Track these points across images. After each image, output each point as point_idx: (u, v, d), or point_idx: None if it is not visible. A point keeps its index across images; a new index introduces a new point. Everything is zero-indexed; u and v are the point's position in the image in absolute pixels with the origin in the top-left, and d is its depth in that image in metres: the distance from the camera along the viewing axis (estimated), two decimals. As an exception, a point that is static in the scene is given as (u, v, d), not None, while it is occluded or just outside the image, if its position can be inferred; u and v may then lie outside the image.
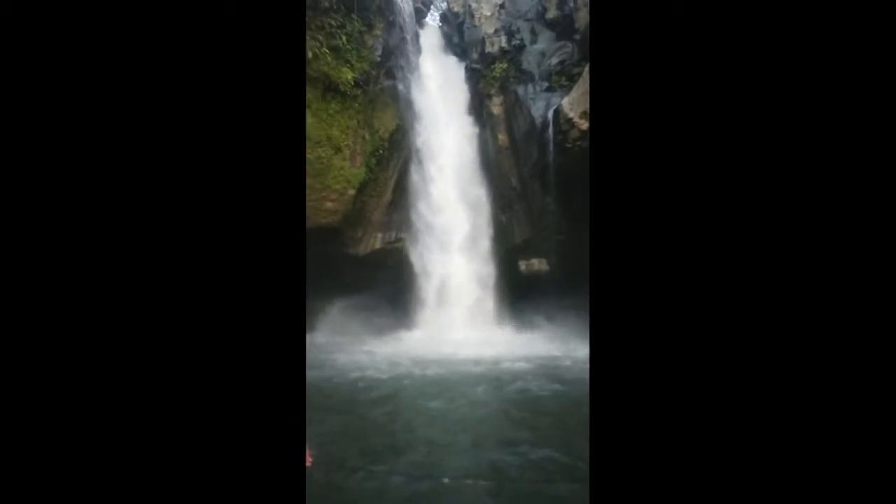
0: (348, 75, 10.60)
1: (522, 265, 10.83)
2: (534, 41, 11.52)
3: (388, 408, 5.40)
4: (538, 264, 10.70)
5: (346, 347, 8.82)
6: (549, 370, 6.86)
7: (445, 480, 3.24)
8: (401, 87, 11.93)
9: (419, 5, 13.50)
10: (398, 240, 11.46)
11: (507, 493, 3.21)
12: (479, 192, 11.52)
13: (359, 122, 11.01)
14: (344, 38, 10.52)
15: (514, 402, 5.53)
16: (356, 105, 10.94)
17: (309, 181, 9.09)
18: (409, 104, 11.81)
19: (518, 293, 10.38)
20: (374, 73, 11.43)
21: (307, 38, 9.41)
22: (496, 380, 6.46)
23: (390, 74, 11.93)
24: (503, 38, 11.61)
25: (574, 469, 3.42)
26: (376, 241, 11.36)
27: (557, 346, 8.40)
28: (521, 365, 7.24)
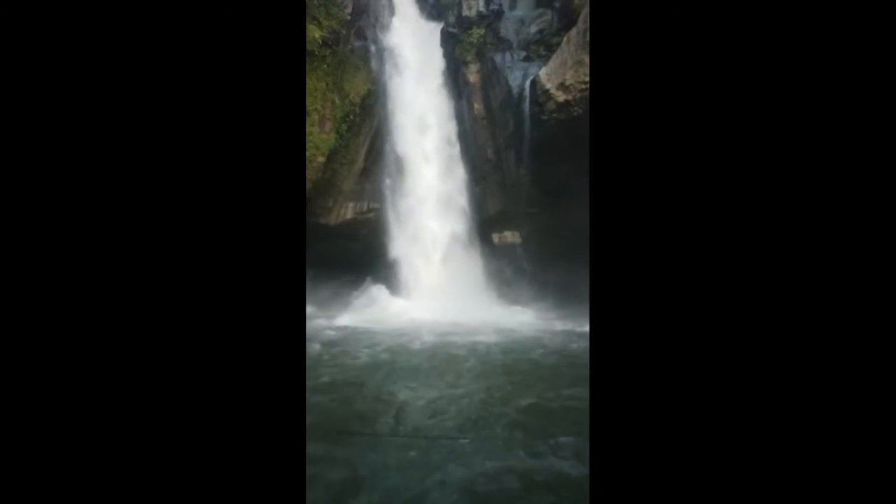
0: (316, 33, 9.96)
1: (496, 237, 10.88)
2: (512, 7, 11.16)
3: (355, 379, 5.38)
4: (511, 237, 10.78)
5: (314, 318, 8.69)
6: (527, 340, 7.02)
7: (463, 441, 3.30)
8: (373, 48, 11.35)
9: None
10: (370, 210, 11.18)
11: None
12: (454, 163, 11.33)
13: (328, 85, 10.46)
14: (312, -9, 9.82)
15: (501, 365, 5.65)
16: (325, 66, 10.35)
17: (276, 146, 8.63)
18: (381, 67, 11.28)
19: (491, 265, 10.47)
20: (343, 32, 10.80)
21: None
22: (473, 350, 6.57)
23: (361, 34, 11.30)
24: (481, 2, 11.18)
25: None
26: (348, 211, 11.05)
27: (536, 320, 8.58)
28: (496, 336, 7.37)
